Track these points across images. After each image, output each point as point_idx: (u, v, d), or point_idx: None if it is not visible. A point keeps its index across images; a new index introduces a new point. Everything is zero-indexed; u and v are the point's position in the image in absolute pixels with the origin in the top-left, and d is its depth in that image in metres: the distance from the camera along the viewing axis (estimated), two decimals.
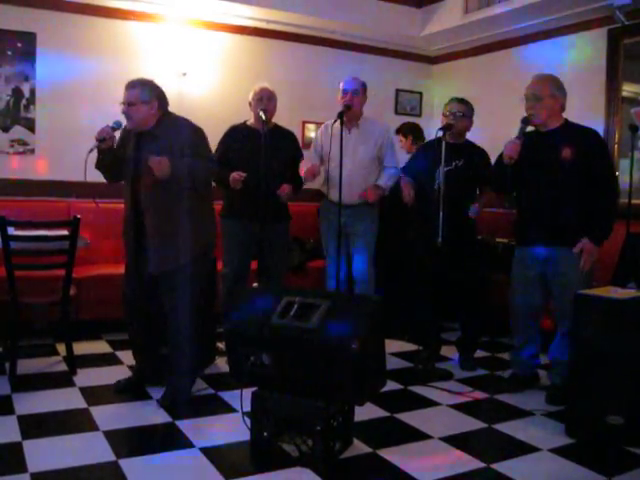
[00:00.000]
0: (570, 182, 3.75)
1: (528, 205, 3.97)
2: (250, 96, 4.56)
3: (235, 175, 4.34)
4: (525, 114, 3.87)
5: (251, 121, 4.62)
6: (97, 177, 3.79)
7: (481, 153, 4.52)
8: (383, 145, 4.63)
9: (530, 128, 3.90)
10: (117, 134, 3.69)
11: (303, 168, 4.56)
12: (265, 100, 4.47)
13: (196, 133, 3.70)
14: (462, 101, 4.51)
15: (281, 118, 4.73)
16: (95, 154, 3.63)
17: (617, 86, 5.38)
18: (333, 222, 4.48)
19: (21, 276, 3.98)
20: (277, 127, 4.61)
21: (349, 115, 4.49)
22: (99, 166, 3.70)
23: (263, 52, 6.36)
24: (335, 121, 4.36)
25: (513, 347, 4.20)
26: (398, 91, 7.17)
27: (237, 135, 4.58)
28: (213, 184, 4.06)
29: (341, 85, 4.58)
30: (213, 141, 4.52)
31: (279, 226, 4.57)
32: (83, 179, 3.51)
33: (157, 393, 3.75)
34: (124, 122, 3.67)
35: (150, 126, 3.61)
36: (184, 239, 3.59)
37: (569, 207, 3.77)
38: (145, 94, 3.57)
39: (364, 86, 4.62)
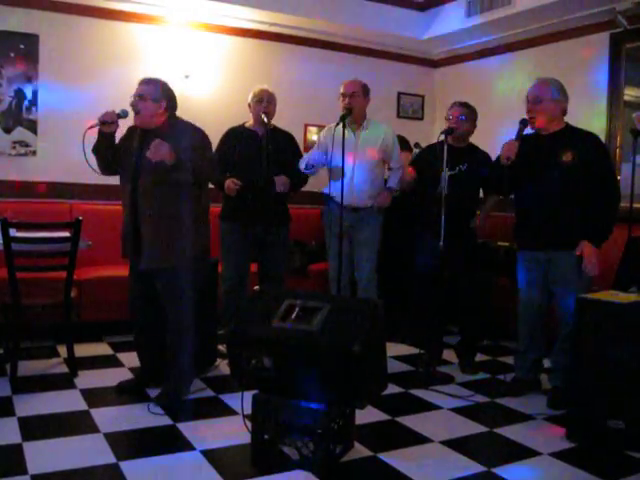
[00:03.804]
0: (570, 185, 3.76)
1: (528, 208, 3.97)
2: (249, 98, 4.56)
3: (230, 183, 4.34)
4: (525, 116, 3.88)
5: (250, 123, 4.62)
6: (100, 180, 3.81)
7: (484, 156, 4.52)
8: (388, 147, 4.63)
9: (529, 130, 3.91)
10: (121, 124, 3.72)
11: (302, 162, 4.55)
12: (265, 102, 4.47)
13: (202, 136, 3.75)
14: (465, 105, 4.50)
15: (283, 121, 4.74)
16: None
17: (619, 90, 5.38)
18: (337, 225, 4.48)
19: (23, 278, 3.98)
20: (276, 129, 4.60)
21: (352, 117, 4.49)
22: (95, 150, 3.69)
23: (266, 55, 6.36)
24: (337, 124, 4.37)
25: (517, 351, 4.19)
26: (400, 94, 7.17)
27: (237, 138, 4.58)
28: (211, 186, 4.07)
29: (341, 88, 4.58)
30: (215, 144, 4.53)
31: (280, 229, 4.57)
32: (85, 181, 3.52)
33: None
34: (131, 113, 3.69)
35: (156, 125, 3.65)
36: (180, 240, 3.61)
37: (569, 210, 3.77)
38: (157, 92, 3.64)
39: (365, 88, 4.62)
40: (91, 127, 3.59)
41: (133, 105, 3.63)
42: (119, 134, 3.78)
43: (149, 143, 3.53)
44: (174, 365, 3.73)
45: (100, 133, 3.65)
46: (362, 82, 4.62)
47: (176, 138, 3.57)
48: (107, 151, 3.70)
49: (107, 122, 3.60)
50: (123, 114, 3.68)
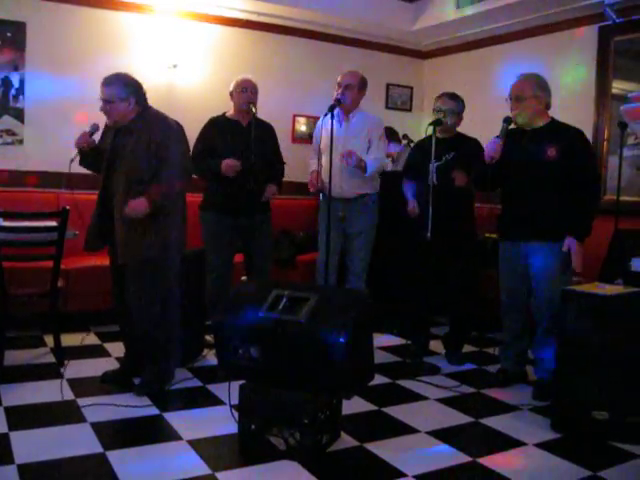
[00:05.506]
0: (553, 180, 3.77)
1: (511, 201, 3.99)
2: (231, 87, 4.54)
3: (229, 162, 4.30)
4: (509, 113, 3.88)
5: (231, 112, 4.60)
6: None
7: (472, 143, 4.49)
8: (372, 139, 4.61)
9: (513, 126, 3.92)
10: (98, 133, 3.75)
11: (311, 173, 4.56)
12: (249, 92, 4.46)
13: (167, 133, 3.61)
14: (453, 96, 4.50)
15: (272, 111, 4.73)
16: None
17: (607, 83, 5.40)
18: (328, 216, 4.48)
19: (9, 267, 3.97)
20: (257, 119, 4.56)
21: (342, 109, 4.49)
22: (82, 164, 3.77)
23: (254, 45, 6.33)
24: (326, 115, 4.37)
25: (502, 342, 4.22)
26: (389, 85, 7.17)
27: (219, 127, 4.54)
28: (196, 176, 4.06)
29: (338, 78, 4.58)
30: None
31: (263, 218, 4.58)
32: (72, 171, 3.51)
33: None
34: (101, 123, 3.71)
35: (128, 120, 3.61)
36: (150, 233, 3.58)
37: (551, 204, 3.79)
38: (122, 91, 3.56)
39: (362, 81, 4.61)
40: (72, 160, 3.66)
41: (103, 110, 3.59)
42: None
43: (121, 138, 3.58)
44: (147, 358, 3.74)
45: (81, 152, 3.69)
46: (360, 75, 4.61)
47: (145, 133, 3.55)
48: (96, 160, 3.71)
49: (84, 147, 3.64)
50: (93, 129, 3.71)
